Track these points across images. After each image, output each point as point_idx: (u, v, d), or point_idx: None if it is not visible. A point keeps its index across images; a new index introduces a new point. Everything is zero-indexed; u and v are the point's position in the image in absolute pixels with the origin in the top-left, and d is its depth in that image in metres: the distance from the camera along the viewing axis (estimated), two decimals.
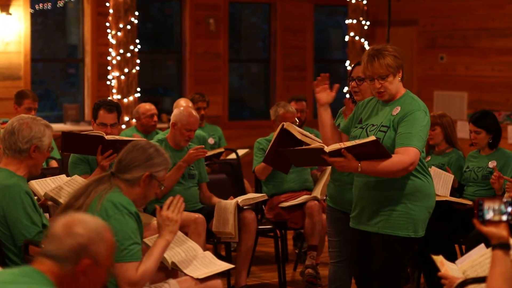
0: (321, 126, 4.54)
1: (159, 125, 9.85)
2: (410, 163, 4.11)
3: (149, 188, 3.82)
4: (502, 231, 2.77)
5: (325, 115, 4.50)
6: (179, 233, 4.45)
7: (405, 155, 4.11)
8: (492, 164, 6.08)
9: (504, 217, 2.78)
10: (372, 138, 4.03)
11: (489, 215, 2.78)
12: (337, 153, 4.08)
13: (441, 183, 6.06)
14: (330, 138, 4.48)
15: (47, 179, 5.03)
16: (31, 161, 4.25)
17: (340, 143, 4.14)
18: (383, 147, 4.08)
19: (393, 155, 4.12)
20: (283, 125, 4.88)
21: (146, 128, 7.77)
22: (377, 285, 4.35)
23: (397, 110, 4.26)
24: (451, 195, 6.05)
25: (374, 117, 4.35)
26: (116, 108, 5.91)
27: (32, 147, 4.22)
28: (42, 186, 4.94)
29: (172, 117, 6.18)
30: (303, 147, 4.42)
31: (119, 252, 3.63)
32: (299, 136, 4.75)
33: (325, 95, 4.49)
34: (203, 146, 6.23)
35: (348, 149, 4.06)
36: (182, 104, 7.23)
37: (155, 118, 7.82)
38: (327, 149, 4.11)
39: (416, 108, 4.23)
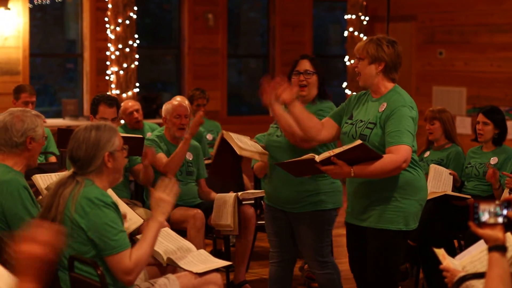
0: (296, 121, 4.45)
1: (158, 121, 9.84)
2: (403, 161, 4.10)
3: (116, 162, 3.78)
4: (498, 233, 2.77)
5: (296, 109, 4.39)
6: (172, 233, 4.44)
7: (397, 154, 4.10)
8: (493, 161, 6.11)
9: (500, 219, 2.78)
10: (358, 142, 4.02)
11: (485, 218, 2.78)
12: (328, 161, 4.08)
13: (442, 180, 6.07)
14: (307, 128, 4.42)
15: (51, 174, 5.05)
16: (29, 152, 4.26)
17: (330, 151, 4.13)
18: (371, 149, 4.07)
19: (384, 155, 4.11)
20: (222, 134, 4.86)
21: (132, 125, 7.66)
22: (371, 279, 4.35)
23: (383, 106, 4.26)
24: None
25: (363, 113, 4.35)
26: (116, 103, 5.96)
27: (28, 139, 4.22)
28: (45, 181, 4.95)
29: (162, 113, 6.25)
30: (295, 159, 4.39)
31: (107, 246, 3.61)
32: (237, 150, 4.74)
33: (289, 93, 4.40)
34: (202, 114, 6.14)
35: (337, 156, 4.05)
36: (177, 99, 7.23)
37: (135, 115, 7.60)
38: (317, 158, 4.10)
39: (401, 104, 4.22)
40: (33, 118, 4.27)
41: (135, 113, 7.59)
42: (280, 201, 4.88)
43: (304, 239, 4.85)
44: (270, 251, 5.09)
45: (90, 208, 3.63)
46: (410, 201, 4.26)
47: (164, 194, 3.76)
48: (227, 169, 5.06)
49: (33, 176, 4.94)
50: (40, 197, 4.80)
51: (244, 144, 4.88)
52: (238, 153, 4.76)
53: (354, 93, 4.60)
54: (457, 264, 3.53)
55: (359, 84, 4.40)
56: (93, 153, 3.72)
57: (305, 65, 4.90)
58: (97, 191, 3.69)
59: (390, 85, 4.33)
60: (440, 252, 3.56)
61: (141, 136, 5.93)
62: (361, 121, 4.31)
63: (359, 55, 4.34)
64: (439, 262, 3.51)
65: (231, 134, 4.94)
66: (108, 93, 10.25)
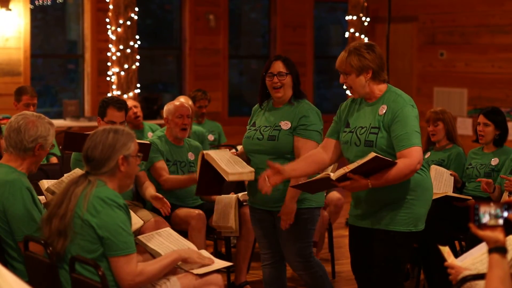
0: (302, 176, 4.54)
1: (159, 121, 9.85)
2: (417, 163, 4.11)
3: (130, 167, 3.82)
4: (498, 235, 2.77)
5: (293, 179, 4.49)
6: (174, 233, 4.46)
7: (410, 158, 4.10)
8: (494, 162, 6.11)
9: (501, 221, 2.78)
10: (372, 155, 4.00)
11: (486, 219, 2.78)
12: (344, 177, 4.08)
13: (443, 181, 6.07)
14: (315, 172, 4.50)
15: (58, 180, 5.06)
16: (34, 158, 4.26)
17: (344, 168, 4.10)
18: (385, 159, 4.06)
19: (398, 160, 4.10)
20: (203, 155, 4.84)
21: (132, 122, 7.67)
22: (377, 281, 4.34)
23: (383, 109, 4.24)
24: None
25: (361, 118, 4.32)
26: (125, 107, 6.00)
27: (37, 146, 4.23)
28: (49, 183, 4.96)
29: (163, 114, 6.26)
30: (312, 179, 4.38)
31: (116, 246, 3.64)
32: (225, 176, 4.73)
33: (274, 179, 4.32)
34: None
35: (352, 171, 4.04)
36: (180, 100, 7.23)
37: (134, 110, 7.66)
38: (333, 176, 4.10)
39: (402, 104, 4.21)
40: (46, 126, 4.29)
41: (133, 108, 7.62)
42: (265, 201, 4.88)
43: (287, 238, 4.86)
44: (262, 253, 5.09)
45: (102, 208, 3.66)
46: (420, 202, 4.27)
47: (201, 256, 4.05)
48: (214, 187, 5.03)
49: (41, 181, 4.98)
50: (43, 197, 4.81)
51: (229, 166, 4.83)
52: (226, 179, 4.75)
53: (350, 95, 4.58)
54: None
55: (354, 97, 4.38)
56: (108, 154, 3.76)
57: (278, 66, 4.90)
58: (109, 192, 3.73)
59: (383, 87, 4.32)
60: (445, 250, 3.57)
61: (148, 142, 5.94)
62: (362, 127, 4.29)
63: (344, 70, 4.30)
64: (440, 263, 3.52)
65: (212, 154, 4.87)
66: (109, 94, 10.27)
